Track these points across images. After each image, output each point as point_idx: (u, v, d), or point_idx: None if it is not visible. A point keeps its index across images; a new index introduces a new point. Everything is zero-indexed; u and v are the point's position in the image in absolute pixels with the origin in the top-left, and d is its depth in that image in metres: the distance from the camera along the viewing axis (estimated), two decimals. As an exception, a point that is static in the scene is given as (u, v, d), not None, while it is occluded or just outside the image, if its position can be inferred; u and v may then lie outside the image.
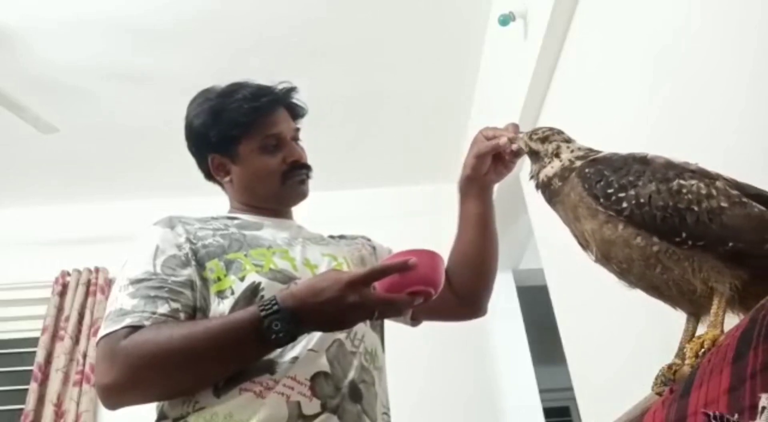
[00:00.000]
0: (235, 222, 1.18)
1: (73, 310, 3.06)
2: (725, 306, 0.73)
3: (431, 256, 0.95)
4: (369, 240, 1.36)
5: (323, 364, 1.01)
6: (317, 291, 0.89)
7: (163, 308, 0.98)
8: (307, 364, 1.00)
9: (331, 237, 1.31)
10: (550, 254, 2.31)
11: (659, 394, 0.76)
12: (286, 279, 1.06)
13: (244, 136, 1.19)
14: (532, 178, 0.96)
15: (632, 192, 0.79)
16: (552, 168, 0.91)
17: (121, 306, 0.98)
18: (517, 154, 1.10)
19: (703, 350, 0.70)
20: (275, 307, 0.90)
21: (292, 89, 1.26)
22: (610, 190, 0.80)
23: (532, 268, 3.01)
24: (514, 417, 2.93)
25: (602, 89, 1.71)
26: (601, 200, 0.81)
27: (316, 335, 1.03)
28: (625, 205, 0.79)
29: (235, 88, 1.21)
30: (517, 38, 2.22)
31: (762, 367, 0.49)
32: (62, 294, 3.14)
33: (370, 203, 3.37)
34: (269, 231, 1.18)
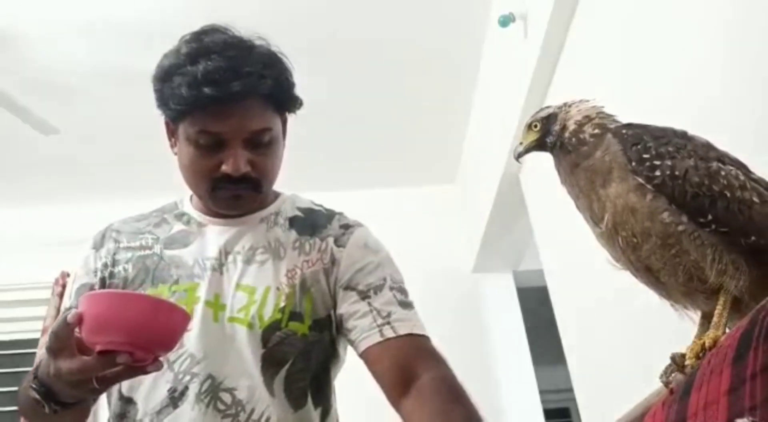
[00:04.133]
0: (176, 227, 1.06)
1: (73, 311, 3.06)
2: (729, 308, 0.72)
3: (109, 300, 0.73)
4: (339, 245, 1.05)
5: None
6: (45, 362, 0.77)
7: None
8: None
9: (300, 237, 1.06)
10: (550, 255, 2.30)
11: (666, 384, 0.75)
12: None
13: (182, 119, 0.96)
14: (555, 143, 0.86)
15: (668, 162, 0.76)
16: (577, 112, 0.87)
17: None
18: None
19: (703, 351, 0.70)
20: (33, 375, 0.80)
21: (262, 79, 0.95)
22: (646, 155, 0.77)
23: (532, 269, 3.00)
24: (514, 418, 2.92)
25: (602, 90, 1.71)
26: (633, 164, 0.77)
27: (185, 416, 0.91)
28: (658, 173, 0.75)
29: (197, 56, 0.94)
30: (517, 39, 2.22)
31: (762, 368, 0.49)
32: (62, 295, 3.11)
33: (369, 204, 3.35)
34: (199, 244, 1.03)
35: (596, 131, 0.84)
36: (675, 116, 1.34)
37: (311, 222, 1.09)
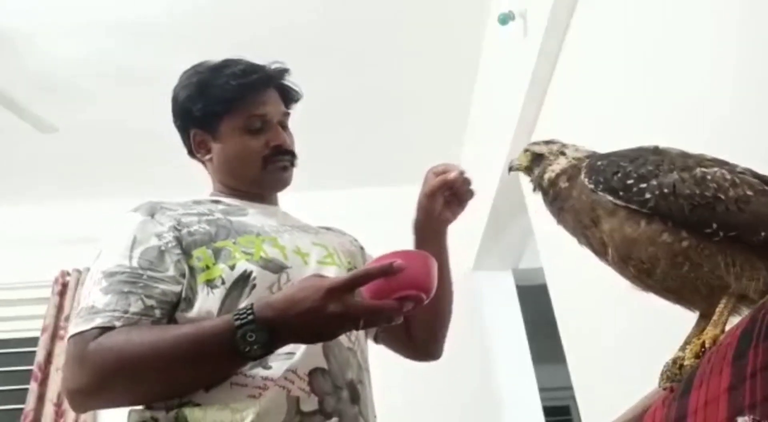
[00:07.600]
0: (220, 206, 1.12)
1: (73, 310, 3.05)
2: (732, 307, 0.71)
3: (421, 258, 0.88)
4: (356, 239, 1.31)
5: (320, 360, 0.97)
6: (296, 301, 0.83)
7: (136, 306, 0.92)
8: (305, 358, 0.95)
9: (319, 227, 1.26)
10: (549, 253, 2.30)
11: (666, 390, 0.75)
12: (278, 268, 1.01)
13: (228, 113, 1.14)
14: (535, 185, 0.91)
15: (654, 181, 0.74)
16: (558, 165, 0.87)
17: (93, 302, 0.93)
18: (469, 184, 1.11)
19: (703, 351, 0.69)
20: (250, 317, 0.84)
21: (284, 70, 1.20)
22: (630, 181, 0.75)
23: (532, 267, 3.01)
24: (514, 416, 2.93)
25: (602, 88, 1.71)
26: (621, 193, 0.75)
27: None
28: (648, 195, 0.73)
29: (226, 64, 1.17)
30: (517, 37, 2.22)
31: (762, 366, 0.49)
32: (62, 293, 3.14)
33: (368, 202, 3.37)
34: (255, 217, 1.12)
35: (568, 181, 0.85)
36: (675, 114, 1.34)
37: (319, 226, 1.26)
